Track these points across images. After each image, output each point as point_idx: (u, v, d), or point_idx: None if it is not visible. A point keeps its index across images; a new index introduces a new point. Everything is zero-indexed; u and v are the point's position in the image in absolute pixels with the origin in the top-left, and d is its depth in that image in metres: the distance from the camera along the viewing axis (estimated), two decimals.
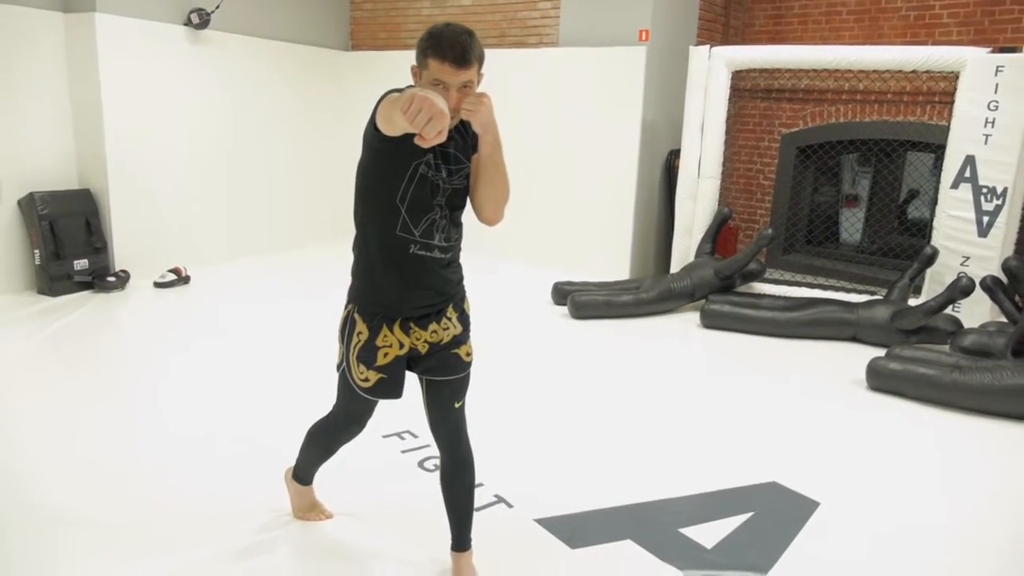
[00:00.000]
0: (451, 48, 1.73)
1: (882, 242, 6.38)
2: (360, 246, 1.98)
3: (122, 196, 5.45)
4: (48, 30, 5.14)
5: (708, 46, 5.44)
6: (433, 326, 1.99)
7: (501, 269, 6.26)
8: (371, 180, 1.91)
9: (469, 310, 2.10)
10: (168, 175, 5.78)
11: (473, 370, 2.10)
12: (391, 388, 2.02)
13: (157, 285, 5.43)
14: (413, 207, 1.87)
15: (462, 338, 2.05)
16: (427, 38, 1.77)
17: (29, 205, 5.04)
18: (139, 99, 5.47)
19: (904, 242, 6.00)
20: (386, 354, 1.98)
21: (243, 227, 6.50)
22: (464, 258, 2.08)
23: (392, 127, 1.71)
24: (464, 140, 1.93)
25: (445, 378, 2.04)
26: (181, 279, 5.53)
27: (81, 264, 5.21)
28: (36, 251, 5.07)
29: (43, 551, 2.25)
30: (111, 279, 5.27)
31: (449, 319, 2.01)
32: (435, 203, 1.90)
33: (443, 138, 1.54)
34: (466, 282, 2.10)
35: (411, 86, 1.88)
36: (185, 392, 3.54)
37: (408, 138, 1.77)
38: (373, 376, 1.99)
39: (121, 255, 5.48)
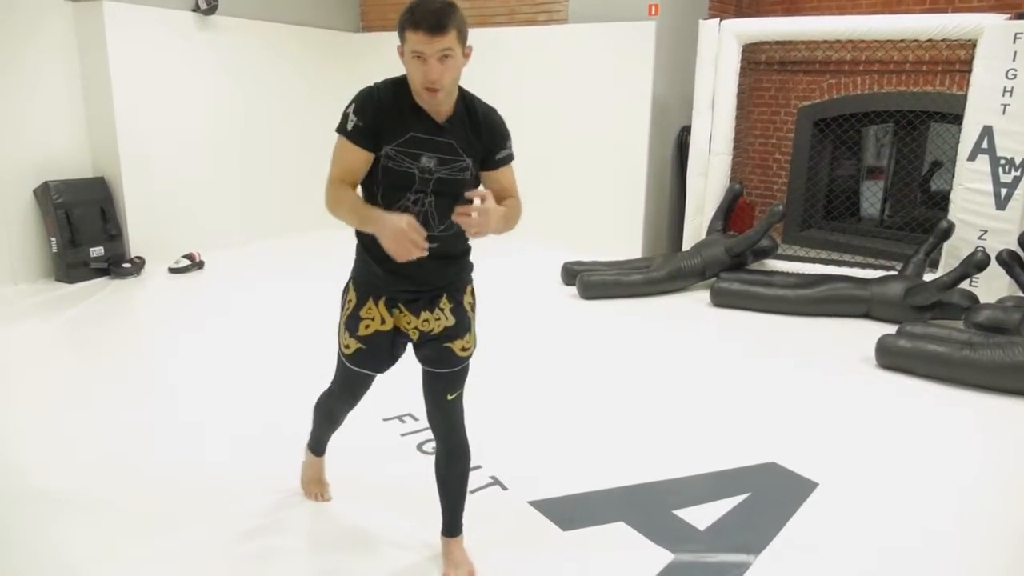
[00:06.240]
0: (424, 17, 1.71)
1: (903, 216, 6.25)
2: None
3: (135, 183, 5.52)
4: (57, 19, 5.18)
5: (718, 19, 5.33)
6: (425, 314, 1.98)
7: (511, 249, 6.20)
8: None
9: (470, 305, 2.06)
10: (180, 161, 5.83)
11: (474, 360, 2.07)
12: (368, 360, 2.06)
13: (171, 271, 5.50)
14: (388, 194, 1.87)
15: (455, 332, 2.01)
16: (404, 12, 1.76)
17: (44, 194, 5.12)
18: (150, 86, 5.52)
19: (927, 215, 5.86)
20: (368, 326, 2.01)
21: (256, 211, 6.55)
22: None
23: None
24: (467, 134, 1.88)
25: (438, 371, 2.04)
26: (195, 264, 5.60)
27: (97, 251, 5.29)
28: (52, 239, 5.16)
29: (54, 531, 2.31)
30: (126, 265, 5.35)
31: (442, 310, 1.99)
32: (412, 192, 1.87)
33: (424, 254, 1.74)
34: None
35: (379, 83, 1.86)
36: (199, 376, 3.60)
37: (379, 132, 1.81)
38: (353, 344, 2.04)
39: (136, 241, 5.57)
